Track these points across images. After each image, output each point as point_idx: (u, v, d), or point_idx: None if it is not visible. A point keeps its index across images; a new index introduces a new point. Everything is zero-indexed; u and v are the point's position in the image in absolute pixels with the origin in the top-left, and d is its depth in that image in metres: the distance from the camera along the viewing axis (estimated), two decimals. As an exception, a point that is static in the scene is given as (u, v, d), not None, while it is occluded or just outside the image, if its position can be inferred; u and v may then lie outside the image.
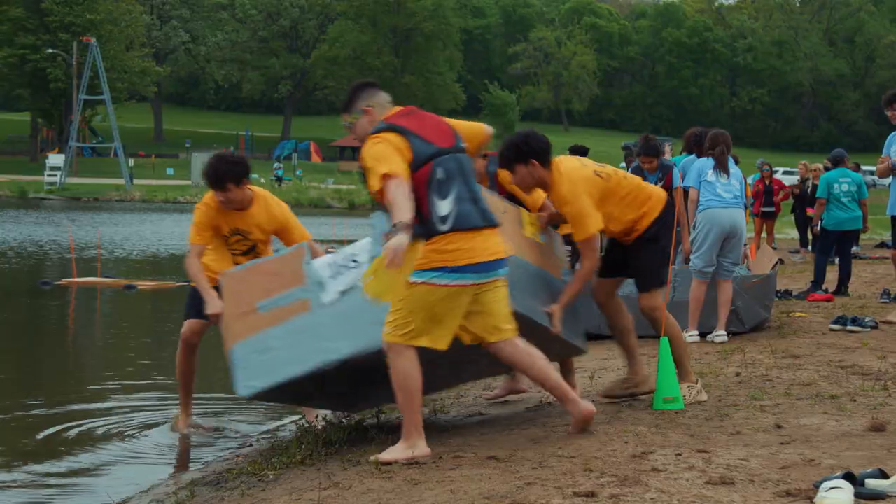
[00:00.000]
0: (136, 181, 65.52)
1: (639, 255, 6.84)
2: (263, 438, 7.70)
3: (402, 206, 5.46)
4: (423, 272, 5.65)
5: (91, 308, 16.73)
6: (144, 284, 18.24)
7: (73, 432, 7.92)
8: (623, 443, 5.74)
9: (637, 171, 11.21)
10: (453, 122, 6.21)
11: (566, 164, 6.70)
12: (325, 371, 6.20)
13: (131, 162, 69.09)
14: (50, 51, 77.58)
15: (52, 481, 6.73)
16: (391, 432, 6.41)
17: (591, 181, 6.65)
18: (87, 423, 8.21)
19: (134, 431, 7.95)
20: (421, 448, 5.72)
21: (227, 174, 7.35)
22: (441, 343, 5.75)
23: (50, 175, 64.41)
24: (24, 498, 6.37)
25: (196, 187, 60.38)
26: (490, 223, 5.84)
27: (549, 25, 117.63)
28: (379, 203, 5.68)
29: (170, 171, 74.24)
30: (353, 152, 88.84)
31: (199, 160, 67.76)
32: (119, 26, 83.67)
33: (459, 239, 5.70)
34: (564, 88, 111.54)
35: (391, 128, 5.79)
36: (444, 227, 5.69)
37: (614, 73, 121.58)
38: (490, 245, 5.79)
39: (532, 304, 6.33)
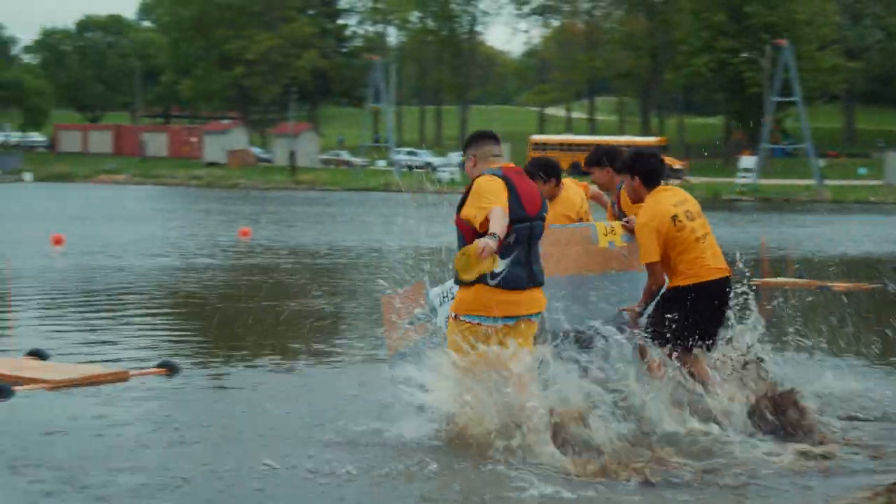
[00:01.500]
0: (826, 181, 64.88)
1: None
2: None
3: (501, 223, 6.65)
4: (468, 315, 7.00)
5: (780, 308, 16.89)
6: (838, 285, 18.08)
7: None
8: None
9: None
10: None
11: (658, 196, 7.67)
12: None
13: (822, 162, 68.51)
14: (744, 55, 79.18)
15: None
16: None
17: (663, 221, 7.57)
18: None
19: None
20: None
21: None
22: (487, 364, 6.91)
23: (742, 176, 65.77)
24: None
25: (890, 187, 58.42)
26: (535, 284, 7.07)
27: None
28: (461, 228, 6.99)
29: (862, 170, 72.56)
30: None
31: (894, 160, 65.59)
32: (812, 26, 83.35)
33: (503, 295, 6.94)
34: None
35: (505, 178, 6.99)
36: (493, 282, 6.90)
37: None
38: (530, 302, 7.05)
39: (600, 312, 7.69)
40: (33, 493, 6.29)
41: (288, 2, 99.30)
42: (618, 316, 7.75)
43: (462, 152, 7.38)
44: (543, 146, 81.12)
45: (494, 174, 7.01)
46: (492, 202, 6.78)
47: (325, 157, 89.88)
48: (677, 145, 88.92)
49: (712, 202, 59.53)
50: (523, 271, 7.01)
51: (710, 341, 7.68)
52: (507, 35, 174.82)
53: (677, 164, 75.01)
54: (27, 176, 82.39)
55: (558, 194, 8.71)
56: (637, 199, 7.81)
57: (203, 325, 13.60)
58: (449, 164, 79.61)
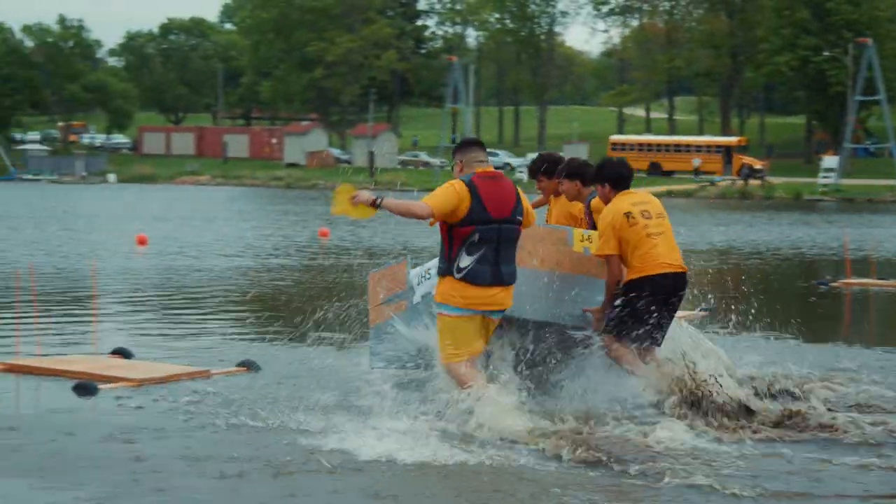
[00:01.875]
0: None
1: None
2: None
3: (404, 203, 7.62)
4: (440, 305, 7.77)
5: (864, 309, 16.71)
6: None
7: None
8: None
9: None
10: (526, 203, 7.90)
11: (620, 197, 8.27)
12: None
13: (907, 162, 67.37)
14: (827, 53, 78.02)
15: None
16: None
17: (617, 216, 8.13)
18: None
19: None
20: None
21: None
22: (474, 352, 7.76)
23: (824, 177, 64.85)
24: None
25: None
26: (498, 283, 7.71)
27: None
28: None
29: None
30: None
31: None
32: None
33: (468, 288, 7.67)
34: None
35: (469, 184, 7.71)
36: (458, 276, 7.69)
37: None
38: (492, 299, 7.71)
39: (562, 308, 8.18)
40: (112, 491, 6.40)
41: (368, 3, 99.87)
42: (583, 317, 8.24)
43: (453, 155, 8.18)
44: (622, 146, 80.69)
45: (463, 180, 7.74)
46: (430, 199, 7.64)
47: (403, 157, 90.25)
48: (757, 145, 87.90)
49: (794, 203, 58.82)
50: (488, 269, 7.70)
51: (652, 335, 8.10)
52: (586, 35, 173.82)
53: (758, 165, 74.12)
54: (111, 177, 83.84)
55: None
56: (604, 201, 8.44)
57: (281, 324, 13.78)
58: (528, 164, 79.31)
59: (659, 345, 8.20)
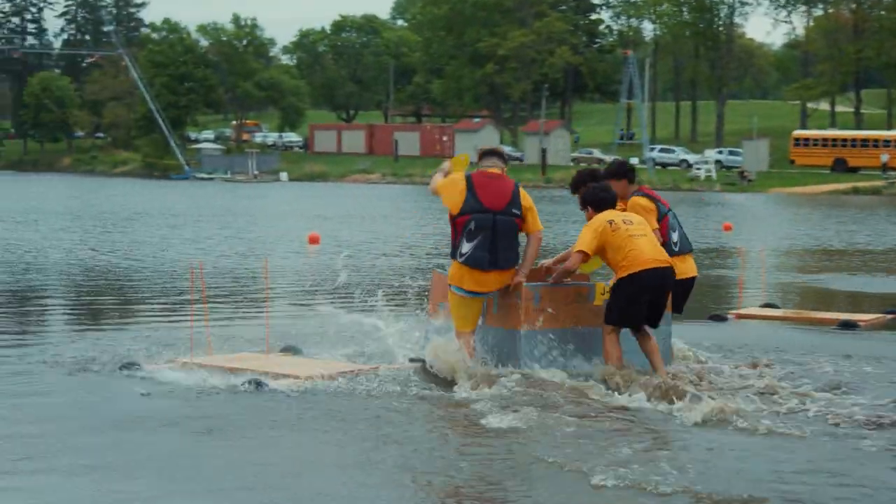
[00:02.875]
0: None
1: None
2: None
3: (437, 177, 9.40)
4: (451, 286, 9.12)
5: None
6: None
7: None
8: None
9: None
10: (527, 202, 9.17)
11: (604, 212, 9.18)
12: None
13: None
14: None
15: None
16: None
17: (601, 223, 9.08)
18: None
19: None
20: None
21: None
22: (471, 326, 9.14)
23: None
24: None
25: None
26: (495, 268, 8.97)
27: None
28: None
29: None
30: None
31: None
32: None
33: (468, 272, 9.02)
34: None
35: (467, 178, 9.15)
36: (460, 259, 9.05)
37: None
38: (489, 282, 9.01)
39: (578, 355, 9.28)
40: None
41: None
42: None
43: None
44: (805, 141, 77.66)
45: (466, 176, 9.22)
46: (439, 187, 9.24)
47: (576, 154, 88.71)
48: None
49: None
50: (486, 255, 8.95)
51: (646, 320, 9.06)
52: (768, 26, 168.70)
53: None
54: (283, 175, 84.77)
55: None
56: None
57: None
58: (705, 161, 77.20)
59: (655, 326, 9.21)
